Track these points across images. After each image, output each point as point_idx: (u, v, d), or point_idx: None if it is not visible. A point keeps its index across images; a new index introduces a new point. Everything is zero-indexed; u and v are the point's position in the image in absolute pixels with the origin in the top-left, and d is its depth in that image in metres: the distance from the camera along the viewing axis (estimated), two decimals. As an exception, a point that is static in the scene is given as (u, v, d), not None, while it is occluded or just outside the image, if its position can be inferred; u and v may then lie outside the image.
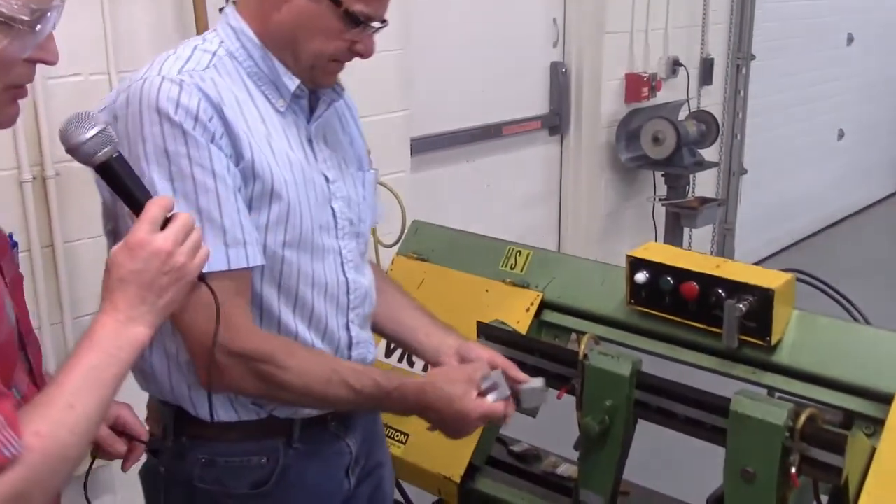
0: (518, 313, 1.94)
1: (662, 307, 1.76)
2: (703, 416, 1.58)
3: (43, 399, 1.05)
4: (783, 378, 1.67)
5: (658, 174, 4.81)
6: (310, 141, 1.52)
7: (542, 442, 2.07)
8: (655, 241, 4.68)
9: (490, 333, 1.82)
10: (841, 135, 6.85)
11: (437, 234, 2.20)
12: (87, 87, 2.54)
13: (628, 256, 1.79)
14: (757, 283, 1.64)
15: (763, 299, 1.62)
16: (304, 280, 1.48)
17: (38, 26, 1.04)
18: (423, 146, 3.80)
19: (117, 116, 1.36)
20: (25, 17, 1.02)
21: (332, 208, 1.52)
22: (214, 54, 1.44)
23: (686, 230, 4.96)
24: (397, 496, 2.00)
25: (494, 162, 4.30)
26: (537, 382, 1.61)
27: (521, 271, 2.01)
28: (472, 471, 1.90)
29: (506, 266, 2.04)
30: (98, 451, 1.47)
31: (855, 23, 6.61)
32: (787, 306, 1.67)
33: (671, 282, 1.73)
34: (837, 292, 1.90)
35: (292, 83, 1.47)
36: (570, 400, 1.71)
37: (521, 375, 1.60)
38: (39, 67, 1.11)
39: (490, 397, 1.53)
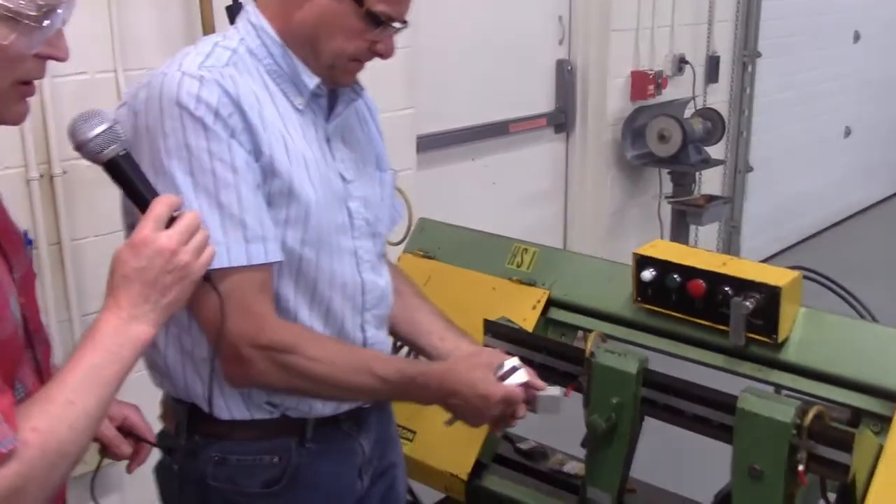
0: (525, 311, 1.94)
1: (669, 305, 1.76)
2: (710, 414, 1.58)
3: (43, 395, 1.05)
4: (790, 375, 1.67)
5: (664, 172, 4.80)
6: (328, 140, 1.52)
7: (549, 439, 2.07)
8: (661, 238, 4.66)
9: (497, 331, 1.81)
10: (848, 132, 6.83)
11: (443, 231, 2.20)
12: (94, 85, 2.54)
13: (635, 254, 1.78)
14: (764, 280, 1.64)
15: (770, 297, 1.62)
16: (322, 278, 1.48)
17: (46, 21, 1.04)
18: (429, 144, 3.80)
19: (137, 112, 1.36)
20: (32, 13, 1.02)
21: (349, 208, 1.52)
22: (234, 51, 1.43)
23: (692, 228, 4.94)
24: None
25: (500, 160, 4.29)
26: (555, 391, 1.60)
27: (528, 269, 2.01)
28: (479, 468, 1.90)
29: (512, 264, 2.03)
30: (106, 451, 1.47)
31: (861, 20, 6.59)
32: (793, 304, 1.67)
33: (678, 279, 1.73)
34: (844, 290, 1.89)
35: (311, 81, 1.47)
36: (576, 397, 1.70)
37: (539, 383, 1.59)
38: (47, 65, 1.11)
39: (509, 381, 1.53)
